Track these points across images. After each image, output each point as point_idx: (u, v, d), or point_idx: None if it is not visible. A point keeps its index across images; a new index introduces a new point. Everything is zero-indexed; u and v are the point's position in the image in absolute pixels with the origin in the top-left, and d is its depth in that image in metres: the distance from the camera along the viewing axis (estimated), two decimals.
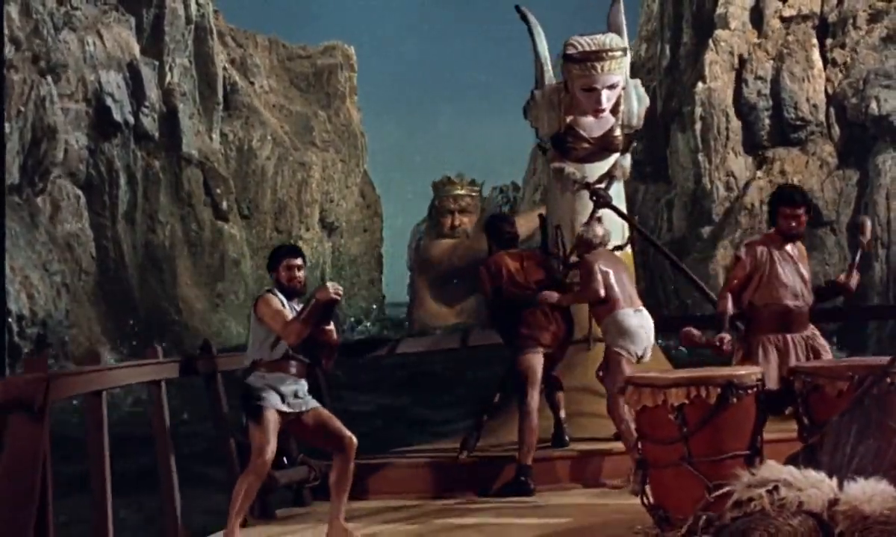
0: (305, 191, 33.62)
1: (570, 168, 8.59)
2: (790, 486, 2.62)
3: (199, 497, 6.67)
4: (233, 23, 34.76)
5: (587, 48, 8.48)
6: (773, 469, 2.71)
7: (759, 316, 6.56)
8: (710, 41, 26.97)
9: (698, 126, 26.95)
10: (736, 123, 26.94)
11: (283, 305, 6.37)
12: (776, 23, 27.03)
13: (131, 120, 28.56)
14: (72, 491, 6.49)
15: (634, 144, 9.94)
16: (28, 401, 5.29)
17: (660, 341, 9.11)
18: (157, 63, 30.04)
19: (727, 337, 6.49)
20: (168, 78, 30.41)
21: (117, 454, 6.32)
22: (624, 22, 9.06)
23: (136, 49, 29.52)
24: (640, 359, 7.45)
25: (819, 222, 25.07)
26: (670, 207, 28.01)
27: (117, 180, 27.71)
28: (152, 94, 29.32)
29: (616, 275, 7.51)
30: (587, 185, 8.50)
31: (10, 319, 21.22)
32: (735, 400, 5.74)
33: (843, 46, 26.75)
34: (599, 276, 7.38)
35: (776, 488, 2.62)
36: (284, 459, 6.99)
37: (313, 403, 6.48)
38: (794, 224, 6.58)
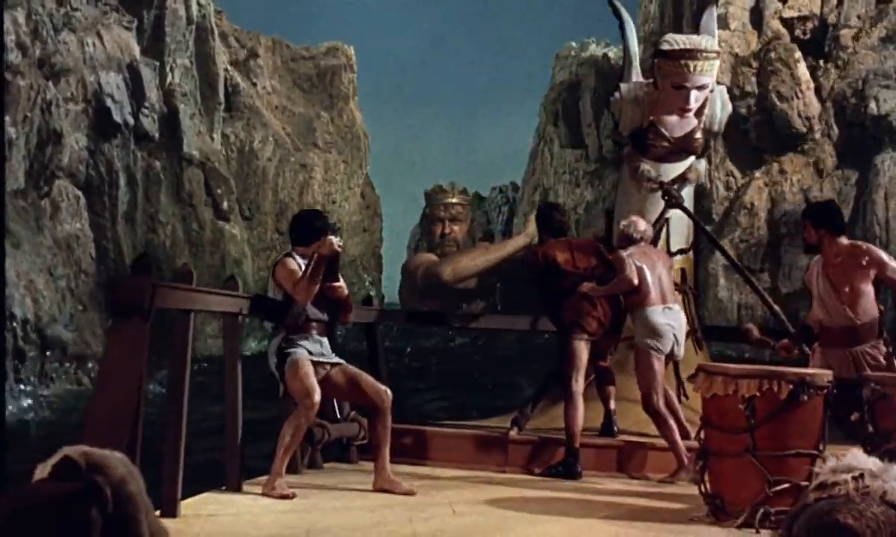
0: (307, 192, 33.65)
1: (645, 165, 8.55)
2: (875, 477, 2.70)
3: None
4: (236, 23, 34.79)
5: (682, 46, 8.47)
6: (859, 457, 2.81)
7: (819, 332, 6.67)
8: None
9: None
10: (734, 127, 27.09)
11: (300, 268, 6.46)
12: (775, 24, 27.17)
13: (131, 121, 28.57)
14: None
15: (710, 150, 10.09)
16: (137, 302, 5.56)
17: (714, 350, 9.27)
18: (157, 64, 30.03)
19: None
20: (169, 78, 30.42)
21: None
22: (716, 27, 9.04)
23: (137, 50, 29.52)
24: (669, 357, 7.46)
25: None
26: None
27: (117, 181, 27.72)
28: (153, 94, 29.33)
29: (651, 271, 7.48)
30: (661, 185, 8.48)
31: (14, 323, 21.32)
32: (805, 398, 5.77)
33: (842, 47, 26.89)
34: (633, 267, 7.37)
35: (862, 476, 2.70)
36: (336, 413, 7.06)
37: (339, 360, 6.61)
38: (804, 237, 6.74)
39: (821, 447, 5.79)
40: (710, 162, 27.07)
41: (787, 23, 27.22)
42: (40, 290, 23.95)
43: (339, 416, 7.05)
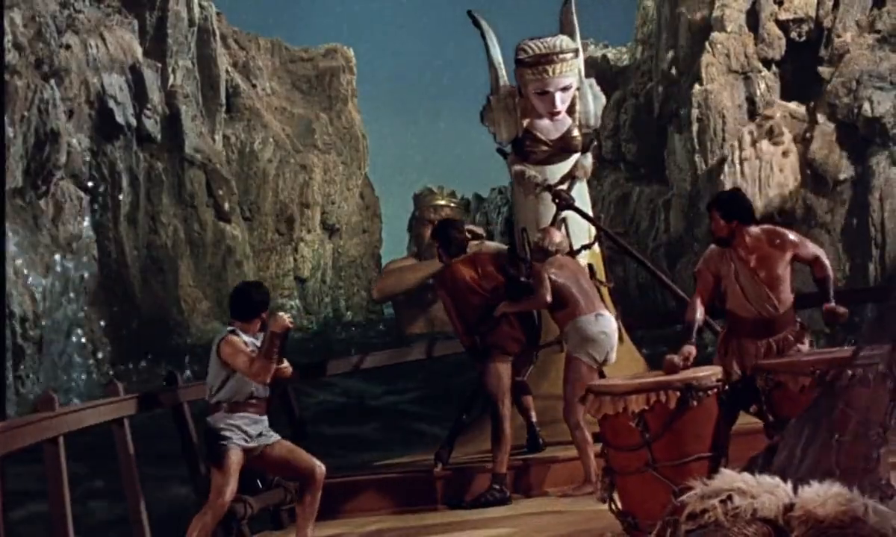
0: (307, 193, 33.73)
1: (530, 171, 8.57)
2: (744, 494, 2.63)
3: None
4: (236, 25, 34.89)
5: (538, 51, 8.48)
6: (726, 477, 2.72)
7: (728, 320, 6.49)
8: (707, 44, 27.09)
9: (695, 128, 27.06)
10: (732, 126, 27.08)
11: (247, 346, 6.30)
12: (771, 26, 27.16)
13: (134, 122, 28.71)
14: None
15: (595, 143, 9.88)
16: None
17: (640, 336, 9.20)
18: (159, 65, 30.17)
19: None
20: (171, 80, 30.54)
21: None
22: (576, 21, 8.99)
23: (139, 52, 29.66)
24: (603, 363, 7.42)
25: (814, 223, 25.24)
26: (667, 208, 28.15)
27: (120, 182, 27.88)
28: (155, 96, 29.46)
29: (574, 281, 7.47)
30: (548, 188, 8.49)
31: (13, 321, 21.45)
32: (695, 402, 5.67)
33: (837, 49, 26.89)
34: (548, 283, 7.33)
35: (730, 497, 2.63)
36: (259, 483, 6.98)
37: (276, 437, 6.47)
38: (713, 229, 6.49)
39: (722, 445, 5.72)
40: (706, 163, 27.11)
41: (783, 25, 27.21)
42: (38, 288, 24.10)
43: (261, 485, 6.97)
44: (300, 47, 36.17)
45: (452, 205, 33.42)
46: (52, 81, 24.97)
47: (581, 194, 8.73)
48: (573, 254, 8.21)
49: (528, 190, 8.60)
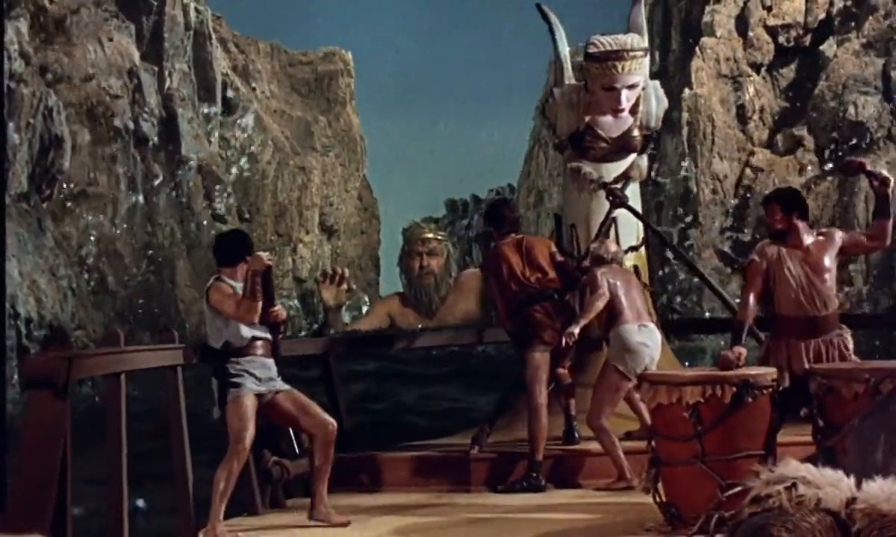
0: (305, 194, 33.91)
1: (587, 167, 8.50)
2: (808, 484, 2.81)
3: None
4: (235, 29, 35.04)
5: (608, 47, 8.37)
6: (791, 466, 2.91)
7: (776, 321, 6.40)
8: (697, 48, 27.46)
9: (685, 131, 27.39)
10: (722, 130, 27.50)
11: (234, 291, 6.33)
12: (760, 31, 27.59)
13: (131, 125, 28.92)
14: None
15: (651, 145, 9.79)
16: (51, 378, 5.23)
17: (675, 342, 9.11)
18: (156, 69, 30.38)
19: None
20: (167, 83, 30.75)
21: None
22: (644, 23, 8.93)
23: (136, 56, 29.86)
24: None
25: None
26: (659, 210, 28.50)
27: (118, 184, 28.12)
28: (152, 99, 29.68)
29: (624, 289, 7.40)
30: (604, 185, 8.44)
31: (18, 322, 21.81)
32: (750, 399, 5.68)
33: (823, 54, 27.33)
34: (605, 284, 7.28)
35: (794, 485, 2.81)
36: (296, 449, 6.92)
37: (284, 385, 6.46)
38: (770, 222, 6.54)
39: (771, 445, 5.73)
40: (696, 166, 27.53)
41: (772, 30, 27.59)
42: (43, 290, 24.39)
43: (297, 452, 6.92)
44: (299, 50, 36.34)
45: (440, 237, 33.94)
46: (55, 88, 25.27)
47: (634, 195, 8.70)
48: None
49: (583, 186, 8.51)
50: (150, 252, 29.00)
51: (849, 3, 27.20)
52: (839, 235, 6.56)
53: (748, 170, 27.74)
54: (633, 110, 8.51)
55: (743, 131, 28.00)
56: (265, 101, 34.21)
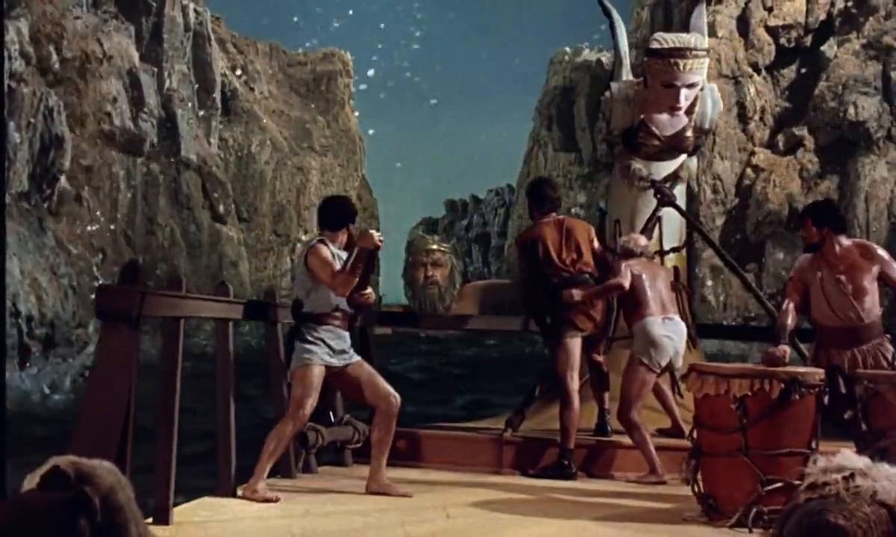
0: (304, 194, 33.99)
1: (637, 164, 8.41)
2: (865, 476, 2.83)
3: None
4: (234, 29, 35.13)
5: (671, 44, 8.31)
6: (848, 457, 2.90)
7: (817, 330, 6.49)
8: None
9: None
10: (722, 129, 27.53)
11: (333, 257, 6.28)
12: (761, 32, 27.64)
13: (131, 126, 28.95)
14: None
15: (701, 148, 9.57)
16: (125, 311, 5.30)
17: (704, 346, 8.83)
18: (155, 70, 30.42)
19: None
20: (167, 84, 30.79)
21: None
22: (706, 24, 8.87)
23: (136, 56, 29.89)
24: (665, 369, 7.32)
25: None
26: None
27: (117, 184, 28.14)
28: (151, 100, 29.70)
29: (650, 282, 7.34)
30: (653, 183, 8.33)
31: (19, 320, 21.81)
32: (797, 397, 5.67)
33: (824, 55, 27.37)
34: (629, 272, 7.22)
35: (852, 476, 2.82)
36: (331, 416, 6.88)
37: (357, 357, 6.41)
38: (804, 235, 6.59)
39: (813, 445, 5.72)
40: (697, 166, 27.59)
41: (773, 31, 27.62)
42: (44, 288, 24.44)
43: (332, 420, 6.91)
44: (298, 52, 36.47)
45: (444, 248, 34.08)
46: (56, 88, 25.28)
47: (681, 195, 8.63)
48: (663, 254, 8.22)
49: (632, 182, 8.45)
50: (150, 252, 29.04)
51: (849, 4, 27.24)
52: (880, 260, 6.51)
53: (749, 170, 27.78)
54: (690, 110, 8.44)
55: (744, 131, 28.05)
56: (264, 101, 34.28)
